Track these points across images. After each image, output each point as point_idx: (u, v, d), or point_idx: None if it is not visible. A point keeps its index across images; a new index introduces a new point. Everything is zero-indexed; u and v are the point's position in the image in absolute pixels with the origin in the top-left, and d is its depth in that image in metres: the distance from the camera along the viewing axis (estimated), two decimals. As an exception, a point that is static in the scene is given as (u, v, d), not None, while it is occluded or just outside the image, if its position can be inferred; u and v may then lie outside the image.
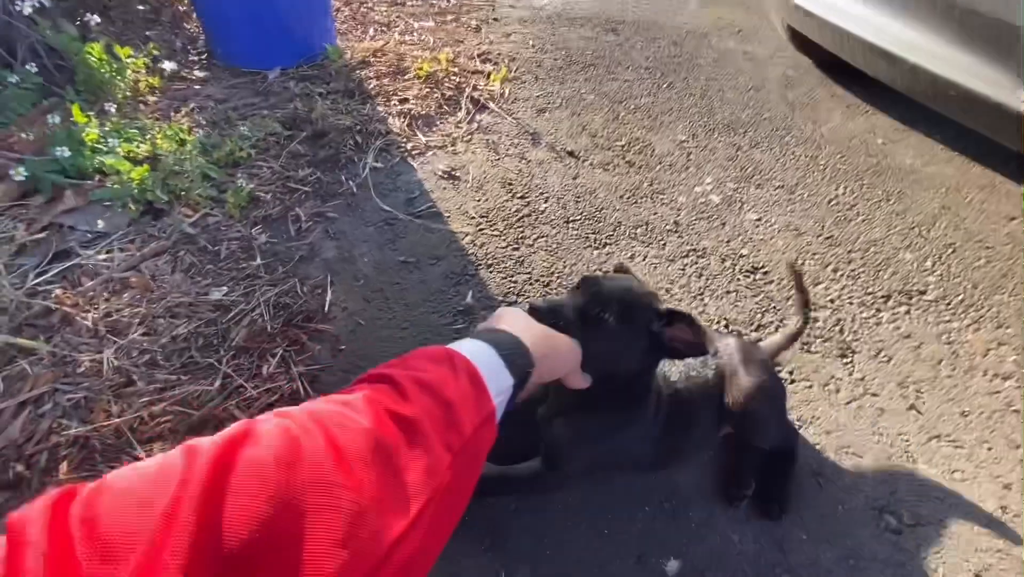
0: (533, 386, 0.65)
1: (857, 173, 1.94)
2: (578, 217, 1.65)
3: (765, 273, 1.53)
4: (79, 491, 0.35)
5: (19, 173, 1.41)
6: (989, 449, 1.17)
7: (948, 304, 1.48)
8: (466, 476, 0.48)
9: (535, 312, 0.75)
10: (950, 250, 1.65)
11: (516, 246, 1.53)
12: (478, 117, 2.01)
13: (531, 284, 1.43)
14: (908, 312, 1.45)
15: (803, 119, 2.20)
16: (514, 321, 0.66)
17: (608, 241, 1.58)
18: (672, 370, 1.03)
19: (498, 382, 0.54)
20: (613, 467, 1.02)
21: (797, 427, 1.17)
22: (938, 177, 1.94)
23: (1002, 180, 1.95)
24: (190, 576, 0.32)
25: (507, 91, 2.16)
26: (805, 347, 1.34)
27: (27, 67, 1.66)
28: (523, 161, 1.84)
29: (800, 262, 1.57)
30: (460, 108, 2.03)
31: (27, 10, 1.68)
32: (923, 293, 1.51)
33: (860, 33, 1.92)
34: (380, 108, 1.98)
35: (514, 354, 0.58)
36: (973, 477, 1.12)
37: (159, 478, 0.36)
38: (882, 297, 1.49)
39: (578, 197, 1.72)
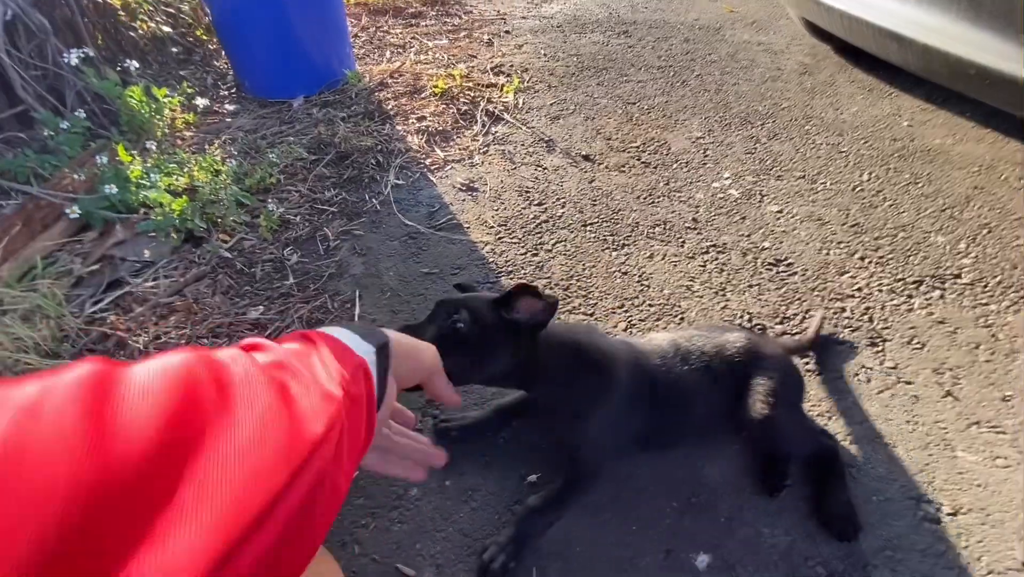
0: (399, 388, 0.61)
1: (882, 157, 1.89)
2: (595, 220, 1.67)
3: (788, 265, 1.51)
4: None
5: (74, 211, 1.53)
6: (1035, 434, 1.13)
7: (985, 287, 1.43)
8: (355, 425, 0.46)
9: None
10: (985, 231, 1.60)
11: (535, 252, 1.56)
12: (493, 129, 2.06)
13: (551, 288, 1.46)
14: (942, 297, 1.41)
15: (823, 106, 2.17)
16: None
17: (626, 242, 1.59)
18: (662, 346, 1.05)
19: (357, 346, 0.52)
20: (624, 445, 1.03)
21: (827, 420, 1.16)
22: (970, 156, 1.88)
23: (1040, 154, 1.87)
24: None
25: (521, 101, 2.21)
26: (833, 336, 1.32)
27: (76, 113, 1.80)
28: (539, 168, 1.87)
29: (825, 252, 1.54)
30: (476, 121, 2.08)
31: (74, 60, 1.82)
32: (957, 277, 1.46)
33: (868, 17, 1.89)
34: (399, 127, 2.05)
35: (365, 331, 0.56)
36: (1018, 463, 1.08)
37: None
38: (913, 283, 1.45)
39: (595, 200, 1.74)
